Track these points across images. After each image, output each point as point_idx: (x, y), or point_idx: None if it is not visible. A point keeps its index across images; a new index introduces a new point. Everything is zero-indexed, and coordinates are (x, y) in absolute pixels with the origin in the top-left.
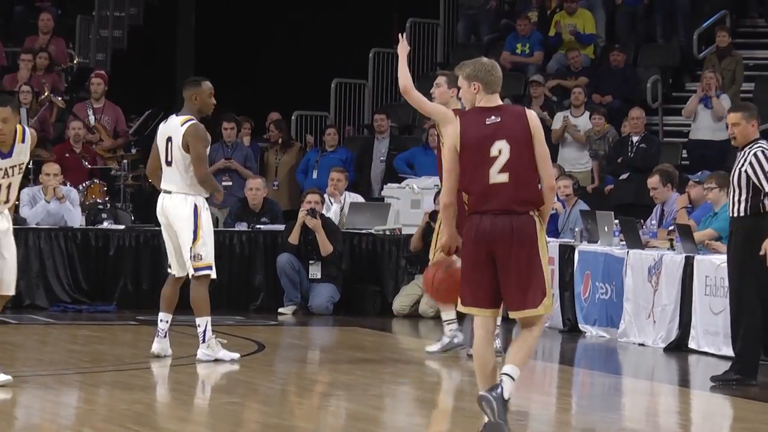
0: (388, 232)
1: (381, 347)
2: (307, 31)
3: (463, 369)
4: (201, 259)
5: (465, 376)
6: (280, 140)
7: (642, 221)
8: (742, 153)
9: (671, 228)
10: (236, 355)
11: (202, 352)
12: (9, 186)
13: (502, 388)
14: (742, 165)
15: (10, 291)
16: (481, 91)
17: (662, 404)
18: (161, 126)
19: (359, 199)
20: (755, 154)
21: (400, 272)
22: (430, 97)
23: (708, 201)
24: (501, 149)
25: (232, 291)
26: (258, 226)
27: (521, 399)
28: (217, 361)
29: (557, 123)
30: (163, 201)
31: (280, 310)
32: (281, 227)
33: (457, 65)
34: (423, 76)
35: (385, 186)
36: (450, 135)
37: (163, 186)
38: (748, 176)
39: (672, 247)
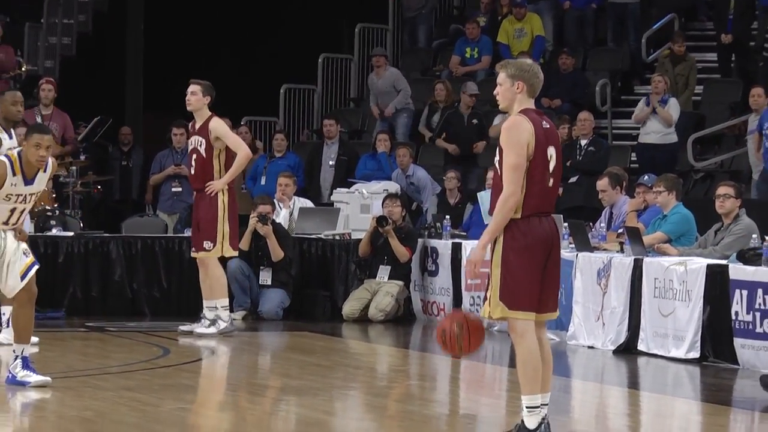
0: (337, 237)
1: (331, 352)
2: (256, 37)
3: (412, 373)
4: None
5: (414, 380)
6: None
7: (591, 224)
8: None
9: (620, 231)
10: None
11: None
12: (22, 212)
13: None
14: None
15: (11, 294)
16: (524, 92)
17: (612, 406)
18: None
19: (308, 204)
20: None
21: (350, 277)
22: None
23: (656, 204)
24: (551, 155)
25: (182, 297)
26: None
27: (471, 402)
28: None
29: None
30: None
31: (231, 315)
32: None
33: (499, 63)
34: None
35: (334, 191)
36: (524, 131)
37: None
38: None
39: (621, 250)
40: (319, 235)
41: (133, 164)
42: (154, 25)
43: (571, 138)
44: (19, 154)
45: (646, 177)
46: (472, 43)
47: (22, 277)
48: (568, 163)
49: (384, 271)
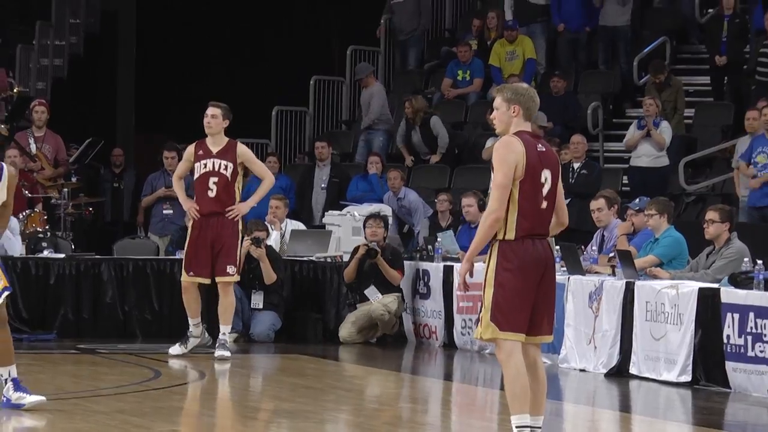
0: (329, 260)
1: (323, 374)
2: (247, 59)
3: (403, 396)
4: None
5: (405, 403)
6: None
7: (582, 247)
8: None
9: (612, 254)
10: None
11: None
12: None
13: None
14: None
15: None
16: (520, 116)
17: (603, 430)
18: None
19: (300, 226)
20: None
21: (342, 299)
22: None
23: (648, 227)
24: (546, 178)
25: (172, 319)
26: None
27: (462, 425)
28: None
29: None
30: None
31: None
32: None
33: (496, 87)
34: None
35: (326, 213)
36: (513, 150)
37: None
38: None
39: (613, 273)
40: (311, 258)
41: (125, 186)
42: (146, 47)
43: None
44: None
45: (637, 200)
46: (464, 65)
47: None
48: None
49: (373, 292)
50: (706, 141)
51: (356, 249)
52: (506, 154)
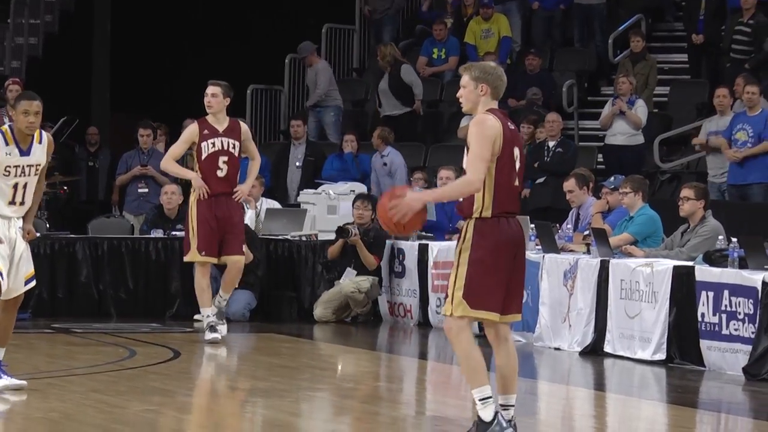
0: (304, 238)
1: (298, 353)
2: (222, 37)
3: (378, 374)
4: None
5: (380, 381)
6: None
7: (558, 225)
8: None
9: (587, 232)
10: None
11: None
12: (25, 186)
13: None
14: None
15: (10, 295)
16: (488, 95)
17: (578, 408)
18: None
19: (275, 205)
20: None
21: (317, 278)
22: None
23: (623, 205)
24: (517, 156)
25: (148, 298)
26: (174, 233)
27: (438, 403)
28: None
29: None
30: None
31: (196, 317)
32: None
33: (463, 66)
34: (339, 82)
35: (301, 192)
36: (492, 126)
37: None
38: None
39: (588, 251)
40: (286, 236)
41: (100, 165)
42: (121, 25)
43: (533, 138)
44: (10, 126)
45: (612, 178)
46: (439, 43)
47: (25, 284)
48: (535, 165)
49: (350, 275)
50: (682, 119)
51: (340, 229)
52: (485, 131)
